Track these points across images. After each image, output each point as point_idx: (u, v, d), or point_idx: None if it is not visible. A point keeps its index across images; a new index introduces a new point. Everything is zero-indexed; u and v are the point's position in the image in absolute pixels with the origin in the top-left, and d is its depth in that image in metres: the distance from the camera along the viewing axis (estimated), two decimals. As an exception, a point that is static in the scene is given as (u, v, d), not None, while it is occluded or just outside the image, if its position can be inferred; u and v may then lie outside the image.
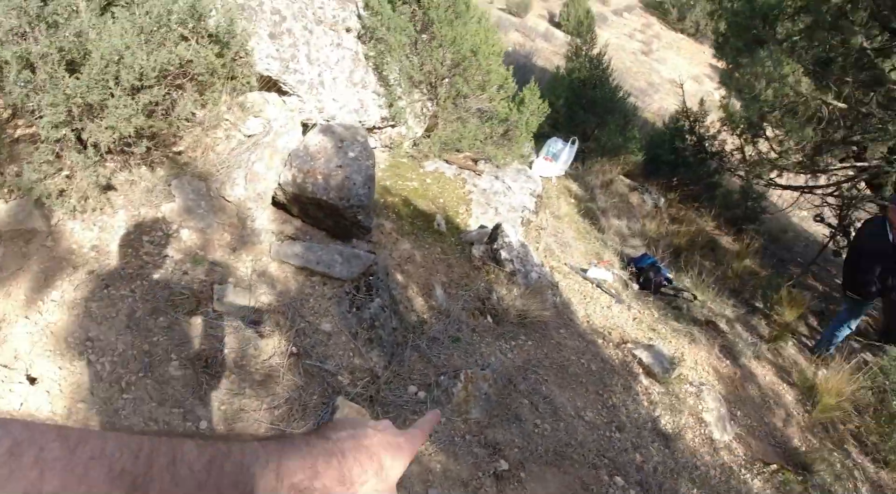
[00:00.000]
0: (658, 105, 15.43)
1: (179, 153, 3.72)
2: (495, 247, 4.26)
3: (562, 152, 6.73)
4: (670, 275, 5.79)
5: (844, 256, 5.63)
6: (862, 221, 5.76)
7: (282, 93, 4.77)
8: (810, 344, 6.26)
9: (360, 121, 5.24)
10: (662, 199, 7.59)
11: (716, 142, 7.95)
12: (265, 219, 3.40)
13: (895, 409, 5.45)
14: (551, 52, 18.39)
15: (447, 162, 5.45)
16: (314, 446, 0.57)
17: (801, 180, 8.31)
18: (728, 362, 4.81)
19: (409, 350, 3.00)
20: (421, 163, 5.35)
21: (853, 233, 5.72)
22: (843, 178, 7.60)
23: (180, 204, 3.23)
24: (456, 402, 2.71)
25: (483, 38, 5.50)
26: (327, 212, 3.45)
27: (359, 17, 5.21)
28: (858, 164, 7.07)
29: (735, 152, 7.80)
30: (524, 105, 5.71)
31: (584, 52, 7.33)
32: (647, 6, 27.86)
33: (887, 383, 5.72)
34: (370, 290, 3.19)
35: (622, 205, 7.04)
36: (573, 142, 6.86)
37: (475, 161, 5.57)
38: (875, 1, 5.78)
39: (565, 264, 5.25)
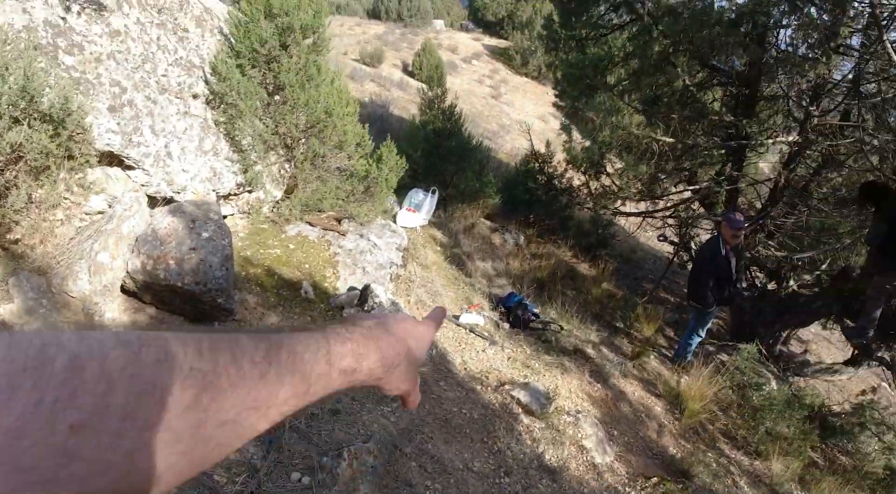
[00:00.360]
0: (510, 145, 16.32)
1: (16, 241, 3.42)
2: (366, 308, 4.27)
3: (423, 202, 6.92)
4: (537, 310, 6.08)
5: (690, 270, 6.23)
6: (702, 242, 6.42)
7: (126, 167, 4.53)
8: (670, 355, 6.80)
9: (214, 190, 5.10)
10: (522, 237, 8.01)
11: (564, 180, 8.54)
12: (115, 310, 3.19)
13: (756, 402, 6.04)
14: (407, 100, 18.90)
15: (310, 224, 5.41)
16: (354, 332, 0.58)
17: (642, 206, 9.10)
18: (599, 385, 5.11)
19: (287, 432, 2.91)
20: (282, 227, 5.27)
21: (694, 249, 6.34)
22: (678, 201, 8.44)
23: (20, 304, 2.96)
24: (343, 482, 2.65)
25: (336, 98, 5.59)
26: (184, 298, 3.30)
27: (206, 82, 5.10)
28: (691, 188, 7.88)
29: (582, 187, 8.42)
30: (382, 161, 5.84)
31: (436, 105, 7.67)
32: (493, 53, 29.61)
33: (744, 379, 6.35)
34: (239, 372, 3.08)
35: (486, 247, 7.34)
36: (433, 192, 7.08)
37: (339, 220, 5.59)
38: (693, 43, 6.55)
39: (438, 313, 5.36)
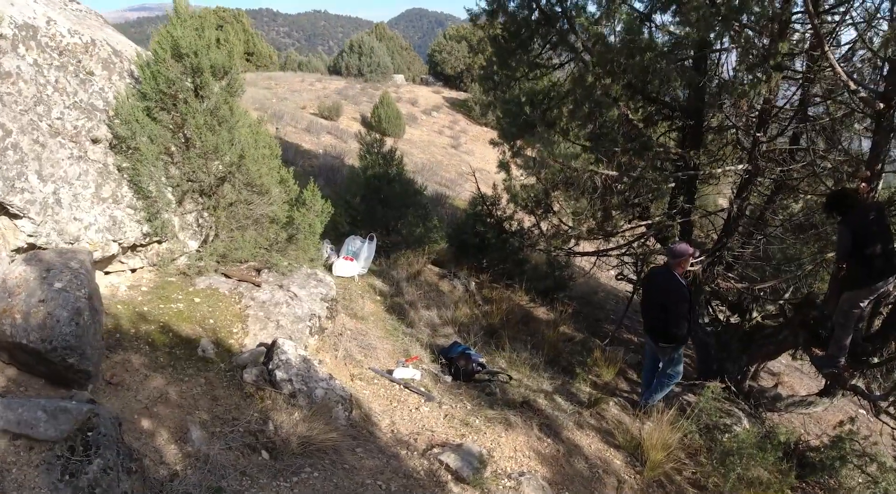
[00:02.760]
0: (468, 193, 16.11)
1: None
2: (270, 367, 3.77)
3: (361, 250, 6.50)
4: (483, 360, 5.61)
5: (643, 312, 5.80)
6: (645, 275, 6.00)
7: (12, 216, 4.05)
8: (635, 398, 6.32)
9: (116, 240, 4.62)
10: (473, 283, 7.59)
11: (513, 222, 8.21)
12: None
13: (726, 445, 5.57)
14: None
15: (225, 275, 4.93)
16: None
17: (597, 245, 8.78)
18: (549, 440, 4.60)
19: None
20: (193, 280, 4.78)
21: (642, 289, 5.96)
22: (633, 238, 8.13)
23: None
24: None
25: (252, 142, 5.20)
26: (34, 357, 2.79)
27: (109, 126, 4.69)
28: (643, 223, 7.58)
29: (533, 229, 8.08)
30: (306, 206, 5.43)
31: (375, 150, 7.34)
32: (452, 105, 30.00)
33: (711, 420, 5.88)
34: (88, 450, 2.55)
35: (432, 295, 6.90)
36: (371, 239, 6.67)
37: (258, 271, 5.11)
38: (627, 72, 6.35)
39: (369, 369, 4.86)
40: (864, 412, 8.14)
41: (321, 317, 4.74)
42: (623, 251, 8.11)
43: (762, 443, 5.18)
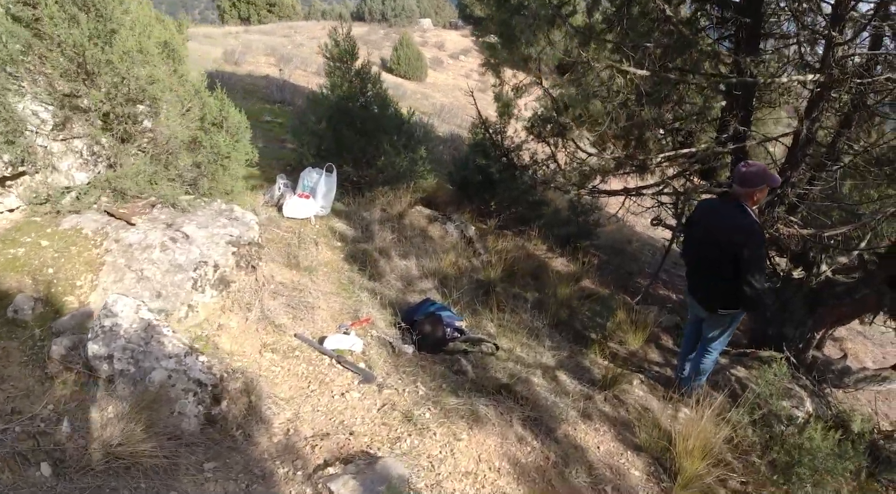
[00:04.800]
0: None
1: None
2: (90, 336, 2.50)
3: (318, 185, 5.15)
4: (462, 324, 4.24)
5: (689, 266, 4.27)
6: (695, 210, 4.44)
7: None
8: (668, 374, 4.93)
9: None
10: (472, 228, 6.19)
11: (524, 153, 6.72)
12: None
13: (789, 447, 4.15)
14: (379, 95, 17.29)
15: (109, 213, 3.67)
16: None
17: (628, 181, 7.25)
18: (537, 442, 3.24)
19: None
20: (60, 219, 3.53)
21: (685, 232, 4.37)
22: (673, 173, 6.58)
23: None
24: None
25: (137, 43, 3.85)
26: None
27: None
28: (685, 151, 6.01)
29: (549, 161, 6.58)
30: (225, 128, 4.10)
31: (345, 65, 5.91)
32: (482, 48, 28.06)
33: (770, 407, 4.45)
34: None
35: (417, 240, 5.54)
36: (329, 170, 5.31)
37: (154, 207, 3.83)
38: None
39: (295, 336, 3.57)
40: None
41: (223, 267, 3.44)
42: (660, 189, 6.56)
43: (842, 448, 3.72)
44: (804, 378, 5.49)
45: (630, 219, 9.01)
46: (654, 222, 7.33)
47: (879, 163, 6.29)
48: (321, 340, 3.58)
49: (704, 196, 6.73)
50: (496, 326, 4.46)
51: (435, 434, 2.95)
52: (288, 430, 2.74)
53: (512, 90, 5.62)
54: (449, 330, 4.08)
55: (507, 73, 5.83)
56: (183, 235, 3.41)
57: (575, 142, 5.69)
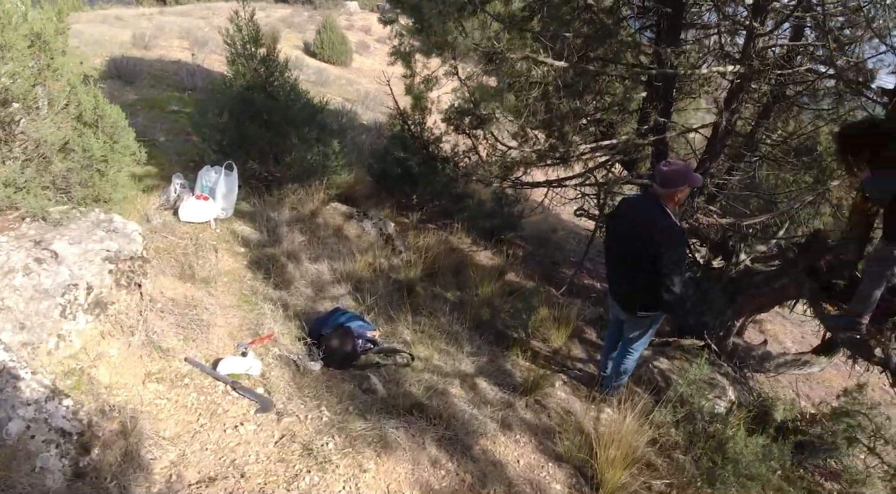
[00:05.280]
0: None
1: None
2: None
3: (217, 185, 4.74)
4: (375, 333, 3.98)
5: (609, 267, 4.13)
6: (615, 209, 4.28)
7: None
8: (591, 371, 4.83)
9: None
10: (392, 224, 5.90)
11: (443, 145, 6.47)
12: None
13: (719, 436, 4.11)
14: (301, 79, 16.64)
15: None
16: None
17: (556, 174, 7.13)
18: (452, 463, 3.03)
19: None
20: None
21: (607, 230, 4.19)
22: (595, 164, 6.48)
23: None
24: None
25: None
26: None
27: None
28: (606, 143, 5.90)
29: (470, 153, 6.36)
30: (101, 128, 3.64)
31: (249, 52, 5.46)
32: (411, 33, 27.49)
33: (691, 402, 4.39)
34: None
35: (331, 241, 5.21)
36: (229, 168, 4.90)
37: (24, 220, 3.36)
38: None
39: (186, 360, 3.21)
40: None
41: (98, 288, 3.03)
42: (582, 181, 6.46)
43: (766, 450, 3.69)
44: (726, 365, 5.53)
45: (556, 208, 8.92)
46: (579, 212, 7.26)
47: (797, 152, 6.41)
48: (215, 364, 3.24)
49: (627, 187, 6.71)
50: (413, 333, 4.21)
51: (338, 467, 2.68)
52: (170, 477, 2.41)
53: (422, 82, 5.34)
54: (360, 342, 3.80)
55: (421, 62, 5.52)
56: (51, 254, 2.98)
57: (494, 135, 5.47)
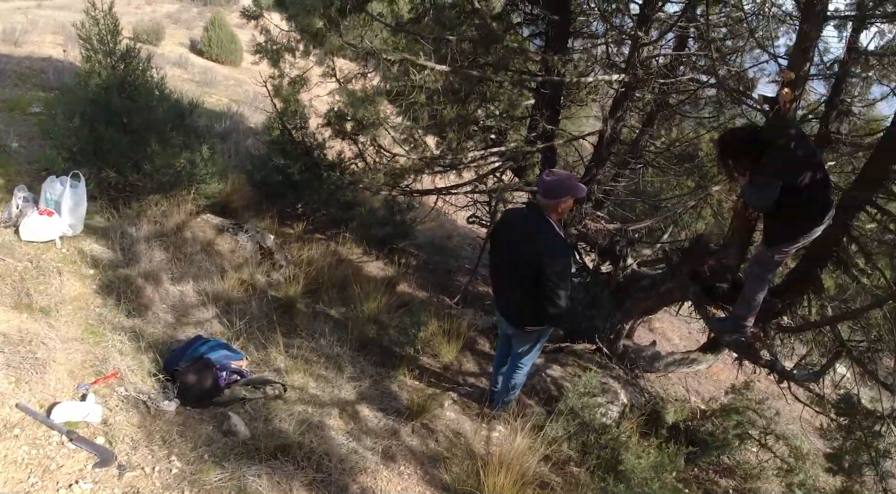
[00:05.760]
0: (315, 122, 13.86)
1: None
2: None
3: (63, 198, 4.18)
4: (242, 363, 3.60)
5: (494, 281, 3.97)
6: (497, 222, 4.14)
7: None
8: (483, 385, 4.67)
9: None
10: (271, 237, 5.49)
11: (330, 152, 6.13)
12: None
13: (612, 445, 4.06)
14: (185, 79, 15.79)
15: None
16: None
17: (447, 181, 6.97)
18: None
19: None
20: None
21: (491, 244, 4.03)
22: (486, 171, 6.37)
23: None
24: None
25: None
26: None
27: None
28: (494, 150, 5.78)
29: (356, 160, 6.05)
30: None
31: (104, 48, 4.87)
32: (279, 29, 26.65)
33: (580, 414, 4.31)
34: None
35: (199, 258, 4.73)
36: (76, 179, 4.35)
37: None
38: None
39: (16, 406, 2.72)
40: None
41: None
42: (473, 188, 6.33)
43: (659, 462, 3.65)
44: (617, 368, 5.55)
45: (452, 214, 8.78)
46: (470, 220, 7.15)
47: (680, 159, 6.60)
48: (50, 410, 2.77)
49: (517, 193, 6.65)
50: (288, 359, 3.86)
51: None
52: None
53: (290, 84, 5.00)
54: (224, 374, 3.42)
55: (289, 62, 5.14)
56: None
57: (376, 142, 5.20)
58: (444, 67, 4.23)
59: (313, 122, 6.15)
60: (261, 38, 4.99)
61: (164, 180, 4.96)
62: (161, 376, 3.36)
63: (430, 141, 6.69)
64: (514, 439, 3.52)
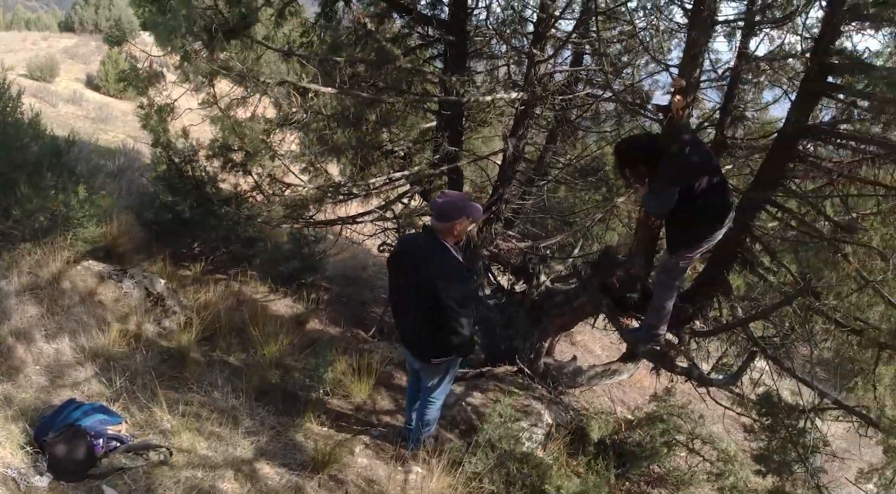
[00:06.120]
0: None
1: None
2: None
3: None
4: (120, 428, 3.23)
5: (395, 312, 3.78)
6: (394, 250, 3.97)
7: None
8: (399, 423, 4.43)
9: None
10: (161, 282, 5.07)
11: (224, 185, 5.79)
12: None
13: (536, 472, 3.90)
14: (79, 116, 15.02)
15: None
16: None
17: (354, 209, 6.75)
18: None
19: None
20: None
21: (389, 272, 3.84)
22: (394, 197, 6.19)
23: None
24: None
25: None
26: None
27: None
28: (397, 175, 5.62)
29: (253, 192, 5.73)
30: None
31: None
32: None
33: (500, 442, 4.14)
34: None
35: (78, 310, 4.30)
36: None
37: None
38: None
39: None
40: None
41: None
42: (380, 215, 6.13)
43: (587, 484, 3.54)
44: (540, 387, 5.45)
45: (366, 243, 8.54)
46: (381, 248, 6.93)
47: (584, 173, 6.66)
48: None
49: (426, 218, 6.51)
50: (175, 418, 3.50)
51: None
52: None
53: (155, 112, 4.68)
54: (100, 442, 3.04)
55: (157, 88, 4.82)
56: None
57: (268, 171, 4.93)
58: (330, 89, 4.03)
59: (203, 154, 5.81)
60: (125, 65, 4.63)
61: (37, 226, 4.49)
62: (30, 448, 2.95)
63: (334, 169, 6.47)
64: (431, 480, 3.32)
